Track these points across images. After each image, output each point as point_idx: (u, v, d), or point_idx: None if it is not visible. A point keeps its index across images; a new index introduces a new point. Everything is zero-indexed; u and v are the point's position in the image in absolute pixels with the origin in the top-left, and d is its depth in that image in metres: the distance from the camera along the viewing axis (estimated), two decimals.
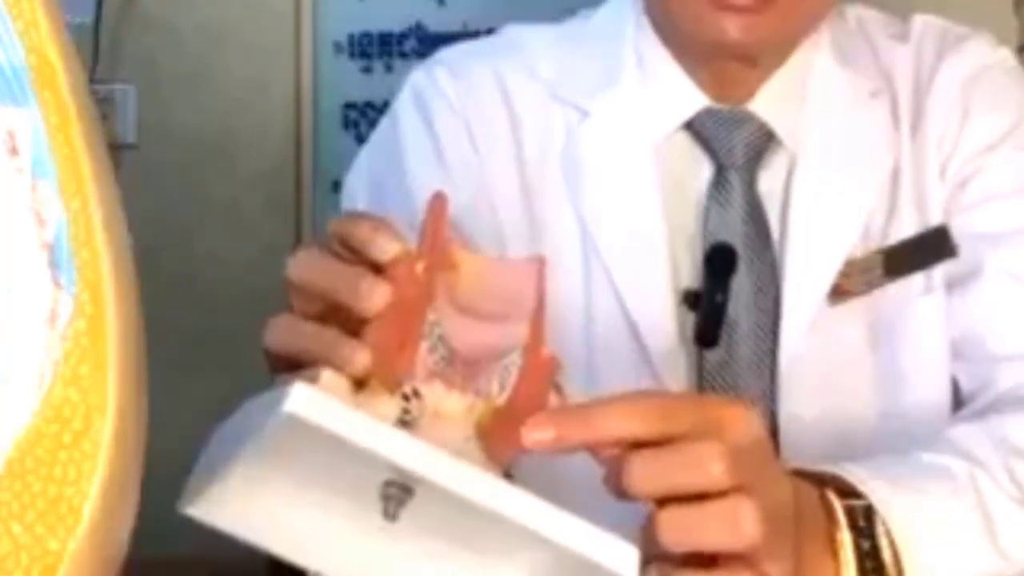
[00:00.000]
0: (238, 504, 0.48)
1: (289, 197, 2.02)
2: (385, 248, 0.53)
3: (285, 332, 0.55)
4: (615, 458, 0.53)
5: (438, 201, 0.54)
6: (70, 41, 0.43)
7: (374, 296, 0.51)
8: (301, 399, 0.45)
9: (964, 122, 0.83)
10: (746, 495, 0.53)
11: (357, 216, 0.56)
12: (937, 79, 0.84)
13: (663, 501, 0.53)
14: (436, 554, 0.50)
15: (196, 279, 2.01)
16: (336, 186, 0.96)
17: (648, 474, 0.52)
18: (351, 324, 0.52)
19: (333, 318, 0.54)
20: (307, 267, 0.56)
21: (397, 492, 0.48)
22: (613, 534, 0.49)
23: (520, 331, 0.53)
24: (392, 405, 0.50)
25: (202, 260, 2.02)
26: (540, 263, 0.54)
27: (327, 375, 0.49)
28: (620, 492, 0.53)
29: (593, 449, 0.53)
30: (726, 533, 0.53)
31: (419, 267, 0.52)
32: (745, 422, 0.54)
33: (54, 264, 0.40)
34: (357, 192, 0.87)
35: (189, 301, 1.97)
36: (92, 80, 1.84)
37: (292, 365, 0.53)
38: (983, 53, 0.86)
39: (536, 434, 0.51)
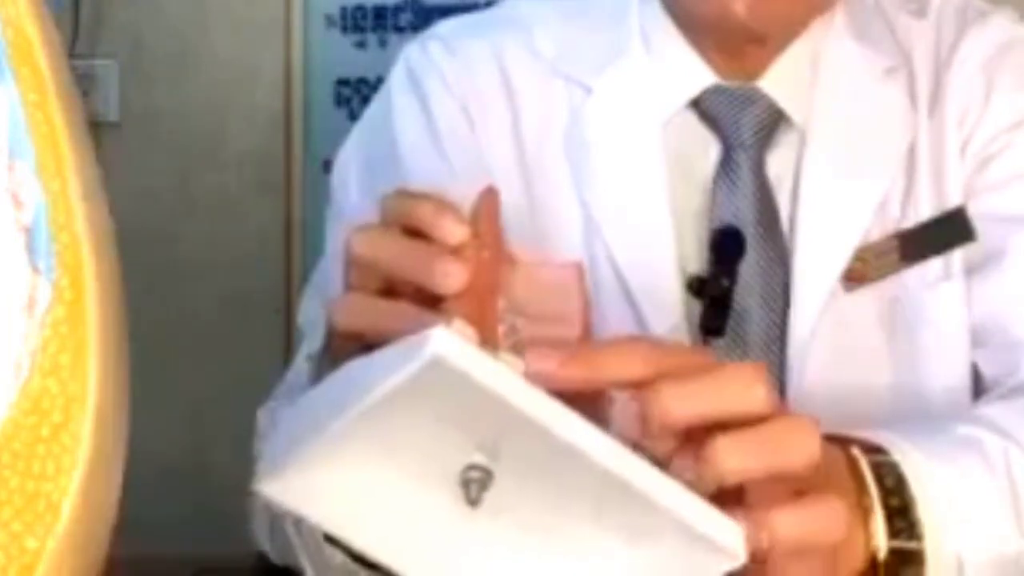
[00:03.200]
0: (312, 483, 0.47)
1: (279, 178, 2.01)
2: (453, 231, 0.52)
3: (359, 311, 0.54)
4: (634, 393, 0.50)
5: (490, 196, 0.54)
6: (49, 14, 0.41)
7: (452, 275, 0.51)
8: (447, 343, 0.42)
9: (987, 100, 0.81)
10: (792, 414, 0.51)
11: (418, 196, 0.55)
12: (957, 55, 0.83)
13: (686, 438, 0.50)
14: (510, 547, 0.49)
15: (181, 264, 1.99)
16: (328, 166, 0.95)
17: (686, 400, 0.49)
18: (416, 303, 0.52)
19: (393, 296, 0.53)
20: (375, 243, 0.55)
21: (480, 475, 0.46)
22: (719, 511, 0.48)
23: (567, 332, 0.53)
24: (517, 365, 0.48)
25: (187, 243, 2.00)
26: (579, 268, 0.55)
27: (459, 323, 0.48)
28: (647, 426, 0.49)
29: (597, 387, 0.50)
30: (791, 451, 0.50)
31: (485, 254, 0.52)
32: (752, 366, 0.52)
33: (32, 249, 0.39)
34: (348, 172, 0.85)
35: (173, 287, 1.96)
36: (72, 55, 1.82)
37: (363, 346, 0.52)
38: (1005, 29, 0.84)
39: (539, 364, 0.48)
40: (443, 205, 0.54)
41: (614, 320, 0.79)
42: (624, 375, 0.50)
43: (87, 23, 1.97)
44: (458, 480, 0.46)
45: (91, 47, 1.97)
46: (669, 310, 0.78)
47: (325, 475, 0.47)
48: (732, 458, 0.49)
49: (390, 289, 0.55)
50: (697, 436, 0.49)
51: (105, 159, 0.41)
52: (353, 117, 1.02)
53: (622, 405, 0.50)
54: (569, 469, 0.46)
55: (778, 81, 0.81)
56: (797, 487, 0.51)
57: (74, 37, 1.92)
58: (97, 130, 1.86)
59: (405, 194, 0.57)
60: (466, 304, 0.51)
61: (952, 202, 0.81)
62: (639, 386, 0.50)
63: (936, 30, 0.84)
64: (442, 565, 0.49)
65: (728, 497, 0.50)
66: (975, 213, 0.80)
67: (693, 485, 0.48)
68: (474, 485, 0.46)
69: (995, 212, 0.80)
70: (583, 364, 0.49)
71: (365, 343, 0.53)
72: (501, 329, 0.51)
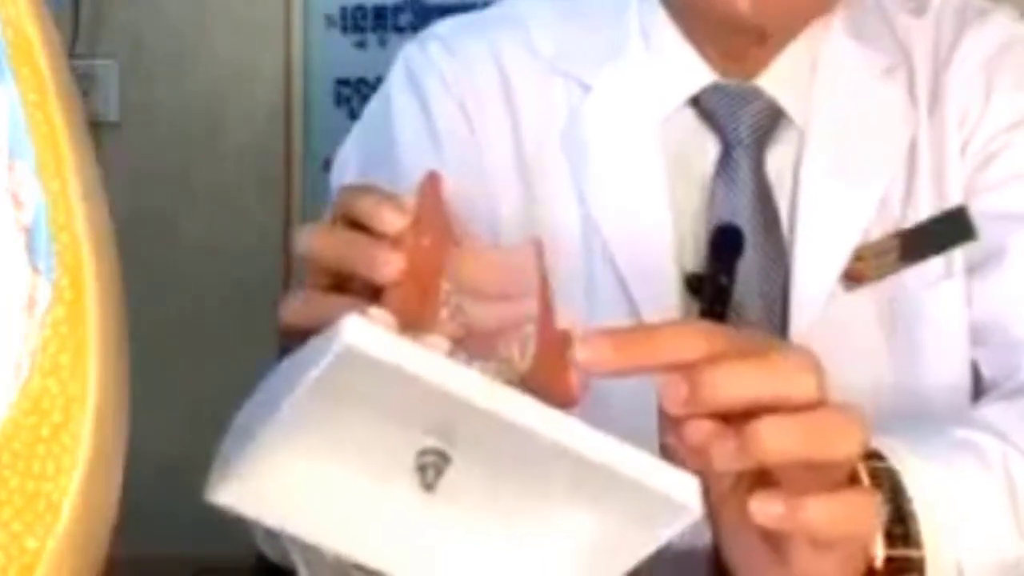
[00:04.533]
0: (262, 484, 0.47)
1: (279, 177, 2.01)
2: (391, 221, 0.53)
3: (303, 307, 0.55)
4: (684, 372, 0.49)
5: (432, 180, 0.54)
6: (49, 14, 0.41)
7: (389, 264, 0.51)
8: (358, 331, 0.42)
9: (987, 99, 0.81)
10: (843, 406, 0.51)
11: (361, 189, 0.56)
12: (957, 54, 0.83)
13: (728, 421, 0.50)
14: (474, 525, 0.49)
15: (181, 263, 1.99)
16: (328, 165, 0.95)
17: (737, 381, 0.49)
18: (364, 296, 0.52)
19: (345, 291, 0.53)
20: (316, 239, 0.55)
21: (434, 459, 0.46)
22: (673, 466, 0.47)
23: (528, 306, 0.52)
24: (441, 344, 0.48)
25: (187, 243, 2.00)
26: (536, 246, 0.54)
27: (375, 310, 0.48)
28: (695, 404, 0.49)
29: (648, 372, 0.50)
30: (838, 441, 0.50)
31: (425, 240, 0.52)
32: (807, 353, 0.52)
33: (32, 249, 0.39)
34: (346, 170, 0.85)
35: (174, 287, 1.96)
36: (72, 55, 1.82)
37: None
38: (1005, 27, 0.84)
39: (591, 352, 0.48)
40: (383, 196, 0.54)
41: (613, 319, 0.79)
42: (684, 355, 0.49)
43: (87, 23, 1.97)
44: (413, 465, 0.46)
45: (91, 47, 1.97)
46: (667, 308, 0.78)
47: (273, 477, 0.47)
48: (774, 440, 0.49)
49: (341, 285, 0.55)
50: (736, 420, 0.49)
51: (105, 158, 0.41)
52: (353, 117, 1.02)
53: (670, 382, 0.49)
54: (514, 444, 0.45)
55: (777, 79, 0.81)
56: (831, 479, 0.51)
57: (74, 37, 1.91)
58: (97, 130, 1.86)
59: (350, 189, 0.57)
60: (406, 291, 0.51)
61: (952, 202, 0.81)
62: (691, 367, 0.49)
63: (936, 29, 0.84)
64: (406, 552, 0.48)
65: (756, 480, 0.50)
66: (975, 212, 0.80)
67: (728, 465, 0.48)
68: (430, 469, 0.46)
69: (995, 211, 0.80)
70: (641, 345, 0.49)
71: None
72: (445, 312, 0.51)
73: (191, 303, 1.99)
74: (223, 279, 1.99)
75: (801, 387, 0.50)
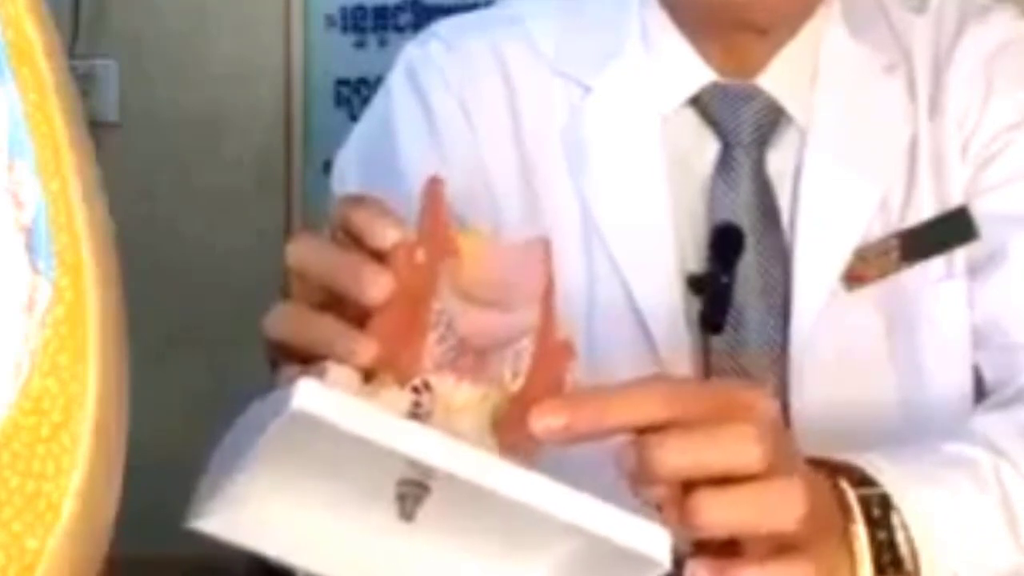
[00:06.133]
0: (246, 513, 0.47)
1: (279, 178, 2.00)
2: (385, 235, 0.51)
3: (288, 321, 0.53)
4: (634, 441, 0.51)
5: (435, 185, 0.52)
6: (49, 14, 0.41)
7: (377, 286, 0.50)
8: (309, 395, 0.43)
9: (987, 99, 0.81)
10: (787, 476, 0.52)
11: (358, 200, 0.54)
12: (958, 53, 0.82)
13: (684, 486, 0.51)
14: (455, 553, 0.49)
15: (181, 264, 1.99)
16: (328, 166, 0.95)
17: (679, 456, 0.50)
18: (355, 313, 0.51)
19: (337, 306, 0.52)
20: (307, 254, 0.54)
21: (413, 490, 0.46)
22: (642, 517, 0.48)
23: (529, 316, 0.51)
24: (402, 399, 0.48)
25: (187, 244, 2.00)
26: (544, 244, 0.53)
27: (334, 368, 0.48)
28: (642, 474, 0.51)
29: (605, 437, 0.51)
30: (776, 513, 0.51)
31: (420, 255, 0.50)
32: (763, 405, 0.53)
33: (32, 248, 0.39)
34: (347, 171, 0.85)
35: (173, 288, 1.95)
36: (72, 55, 1.82)
37: (295, 356, 0.52)
38: (1006, 26, 0.84)
39: (546, 421, 0.49)
40: (379, 209, 0.53)
41: (613, 318, 0.79)
42: (637, 421, 0.51)
43: (87, 23, 1.96)
44: (393, 494, 0.46)
45: (91, 47, 1.97)
46: (668, 308, 0.78)
47: (253, 504, 0.47)
48: (712, 513, 0.51)
49: (332, 300, 0.53)
50: (697, 487, 0.51)
51: (104, 159, 0.41)
52: (353, 117, 1.02)
53: (622, 448, 0.51)
54: (480, 498, 0.46)
55: (777, 78, 0.81)
56: (784, 541, 0.52)
57: (74, 37, 1.91)
58: (97, 130, 1.86)
59: (348, 199, 0.56)
60: (394, 313, 0.50)
61: (953, 202, 0.80)
62: (648, 430, 0.51)
63: (936, 26, 0.84)
64: None
65: (721, 549, 0.52)
66: (977, 213, 0.80)
67: (681, 535, 0.50)
68: (409, 499, 0.46)
69: (996, 212, 0.80)
70: (594, 411, 0.50)
71: (300, 356, 0.52)
72: (433, 335, 0.50)
73: (191, 303, 1.99)
74: (223, 279, 1.99)
75: (744, 458, 0.51)
